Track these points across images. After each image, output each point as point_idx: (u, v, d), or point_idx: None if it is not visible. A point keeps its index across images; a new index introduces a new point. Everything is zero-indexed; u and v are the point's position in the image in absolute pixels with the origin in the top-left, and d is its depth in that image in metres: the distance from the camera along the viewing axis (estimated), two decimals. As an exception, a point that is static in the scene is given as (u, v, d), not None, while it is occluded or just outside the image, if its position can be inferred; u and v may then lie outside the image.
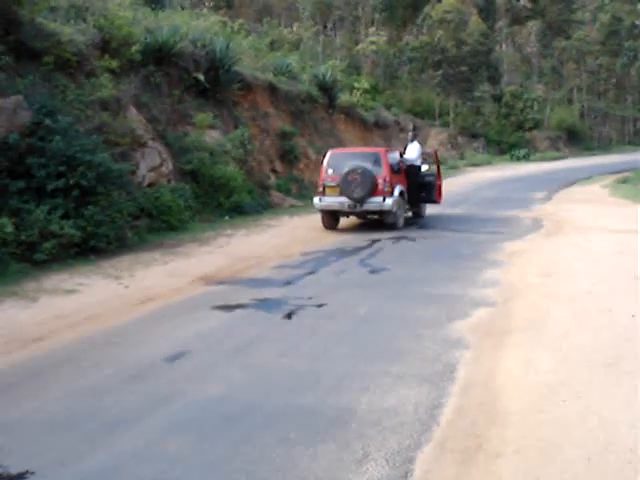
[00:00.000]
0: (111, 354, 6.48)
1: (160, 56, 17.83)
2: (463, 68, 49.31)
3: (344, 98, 32.62)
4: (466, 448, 4.28)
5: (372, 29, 55.35)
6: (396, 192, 14.65)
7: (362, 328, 7.17)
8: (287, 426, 4.60)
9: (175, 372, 5.88)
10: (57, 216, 10.78)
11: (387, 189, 14.30)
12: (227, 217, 16.41)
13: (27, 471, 4.08)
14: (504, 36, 63.75)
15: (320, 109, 29.04)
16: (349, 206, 14.43)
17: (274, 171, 21.98)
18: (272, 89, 24.18)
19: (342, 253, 11.92)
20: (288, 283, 9.62)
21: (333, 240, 13.68)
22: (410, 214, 16.56)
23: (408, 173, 15.79)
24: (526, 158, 47.66)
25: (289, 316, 7.72)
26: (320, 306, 8.11)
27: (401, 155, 16.05)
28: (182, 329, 7.26)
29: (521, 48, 66.54)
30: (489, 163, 44.30)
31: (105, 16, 16.14)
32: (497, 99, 55.94)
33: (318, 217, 15.52)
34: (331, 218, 15.29)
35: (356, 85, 38.25)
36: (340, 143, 27.29)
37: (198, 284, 9.64)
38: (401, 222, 15.11)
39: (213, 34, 21.88)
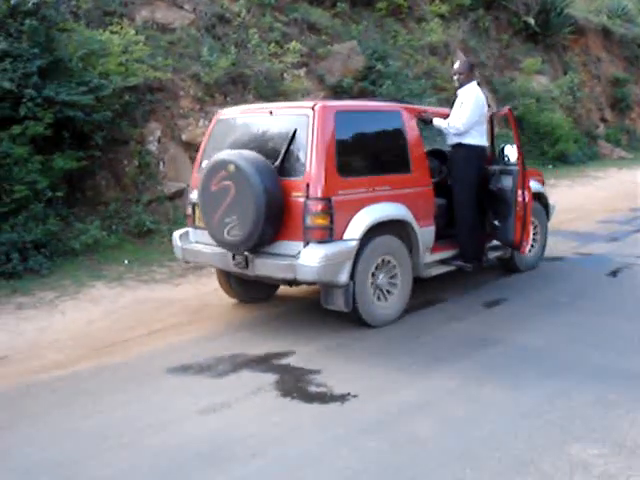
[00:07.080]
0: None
1: (490, 0, 17.55)
2: None
3: (689, 42, 29.42)
4: None
5: None
6: (358, 226, 5.36)
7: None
8: (607, 387, 4.32)
9: (494, 317, 5.87)
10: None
11: (319, 220, 5.19)
12: (550, 166, 15.82)
13: (349, 393, 4.32)
14: None
15: (659, 54, 26.53)
16: (235, 260, 5.56)
17: (603, 120, 20.76)
18: (605, 33, 22.64)
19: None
20: (614, 239, 9.12)
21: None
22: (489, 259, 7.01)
23: (452, 166, 6.77)
24: None
25: (614, 274, 7.30)
26: (651, 266, 7.51)
27: (428, 122, 6.51)
28: (500, 278, 7.23)
29: None
30: None
31: (438, -40, 16.21)
32: None
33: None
34: (232, 278, 6.31)
35: None
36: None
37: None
38: (393, 311, 5.75)
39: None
